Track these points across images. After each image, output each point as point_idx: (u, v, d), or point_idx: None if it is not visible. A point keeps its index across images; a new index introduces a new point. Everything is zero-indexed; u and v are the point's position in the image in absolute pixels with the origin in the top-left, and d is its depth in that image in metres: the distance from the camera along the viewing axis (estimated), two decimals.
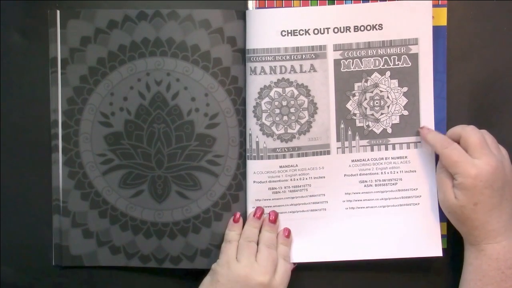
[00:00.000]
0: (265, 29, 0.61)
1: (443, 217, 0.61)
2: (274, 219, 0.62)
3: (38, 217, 0.66)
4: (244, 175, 0.63)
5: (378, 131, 0.63)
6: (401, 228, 0.62)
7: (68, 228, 0.65)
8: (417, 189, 0.63)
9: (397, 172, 0.63)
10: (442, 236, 0.63)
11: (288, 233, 0.63)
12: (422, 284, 0.64)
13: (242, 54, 0.63)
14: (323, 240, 0.63)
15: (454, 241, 0.63)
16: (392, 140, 0.63)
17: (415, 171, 0.62)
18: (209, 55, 0.63)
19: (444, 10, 0.62)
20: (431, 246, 0.62)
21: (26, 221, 0.66)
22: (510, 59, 0.63)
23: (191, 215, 0.63)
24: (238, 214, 0.63)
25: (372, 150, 0.63)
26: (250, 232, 0.62)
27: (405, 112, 0.63)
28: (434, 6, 0.62)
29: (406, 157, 0.63)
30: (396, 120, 0.63)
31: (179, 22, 0.62)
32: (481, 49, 0.63)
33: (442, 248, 0.62)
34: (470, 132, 0.58)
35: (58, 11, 0.64)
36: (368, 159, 0.63)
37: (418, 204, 0.62)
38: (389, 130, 0.63)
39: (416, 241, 0.62)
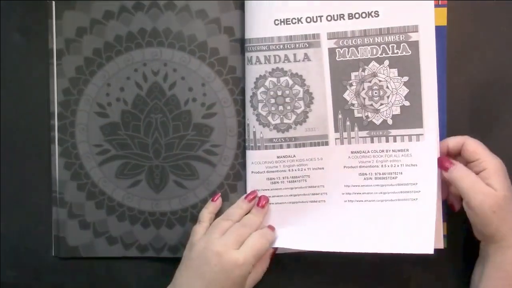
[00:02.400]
0: (260, 19, 0.61)
1: (444, 217, 0.61)
2: (263, 204, 0.61)
3: (40, 208, 0.66)
4: (242, 165, 0.63)
5: (378, 122, 0.61)
6: (395, 223, 0.60)
7: (65, 219, 0.65)
8: (416, 184, 0.60)
9: (398, 166, 0.60)
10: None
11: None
12: (421, 284, 0.64)
13: (240, 44, 0.63)
14: (320, 231, 0.62)
15: (453, 241, 0.62)
16: (393, 131, 0.60)
17: (416, 165, 0.60)
18: (206, 45, 0.63)
19: (444, 10, 0.61)
20: (422, 243, 0.58)
21: (27, 213, 0.66)
22: (510, 59, 0.63)
23: (188, 204, 0.64)
24: (217, 195, 0.63)
25: (372, 141, 0.61)
26: (233, 211, 0.61)
27: (406, 103, 0.60)
28: (434, 6, 0.60)
29: (407, 150, 0.60)
30: (397, 111, 0.60)
31: (176, 12, 0.63)
32: (481, 49, 0.63)
33: (442, 247, 0.61)
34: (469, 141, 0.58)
35: (53, 2, 0.64)
36: (368, 151, 0.61)
37: (416, 199, 0.60)
38: (390, 121, 0.60)
39: (408, 237, 0.59)
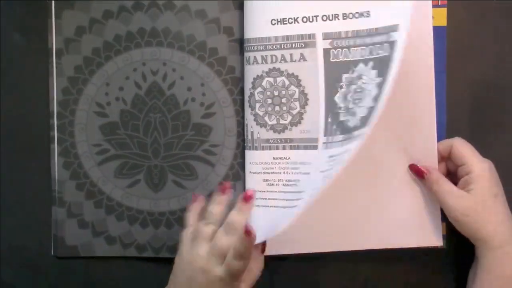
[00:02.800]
0: (257, 18, 0.61)
1: (443, 217, 0.60)
2: (248, 198, 0.57)
3: (39, 208, 0.66)
4: (241, 165, 0.63)
5: (351, 125, 0.57)
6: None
7: (64, 218, 0.65)
8: None
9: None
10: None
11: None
12: (420, 283, 0.64)
13: (239, 44, 0.63)
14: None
15: (453, 241, 0.62)
16: (354, 132, 0.56)
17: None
18: (205, 45, 0.63)
19: (444, 10, 0.61)
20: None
21: (27, 212, 0.66)
22: (510, 59, 0.62)
23: (187, 204, 0.64)
24: (198, 195, 0.61)
25: (342, 146, 0.57)
26: (210, 212, 0.58)
27: (372, 104, 0.55)
28: (434, 6, 0.60)
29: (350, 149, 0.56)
30: (363, 112, 0.56)
31: (175, 12, 0.63)
32: (481, 49, 0.62)
33: (443, 247, 0.61)
34: (459, 143, 0.58)
35: (53, 2, 0.64)
36: (337, 155, 0.57)
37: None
38: (358, 124, 0.57)
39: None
